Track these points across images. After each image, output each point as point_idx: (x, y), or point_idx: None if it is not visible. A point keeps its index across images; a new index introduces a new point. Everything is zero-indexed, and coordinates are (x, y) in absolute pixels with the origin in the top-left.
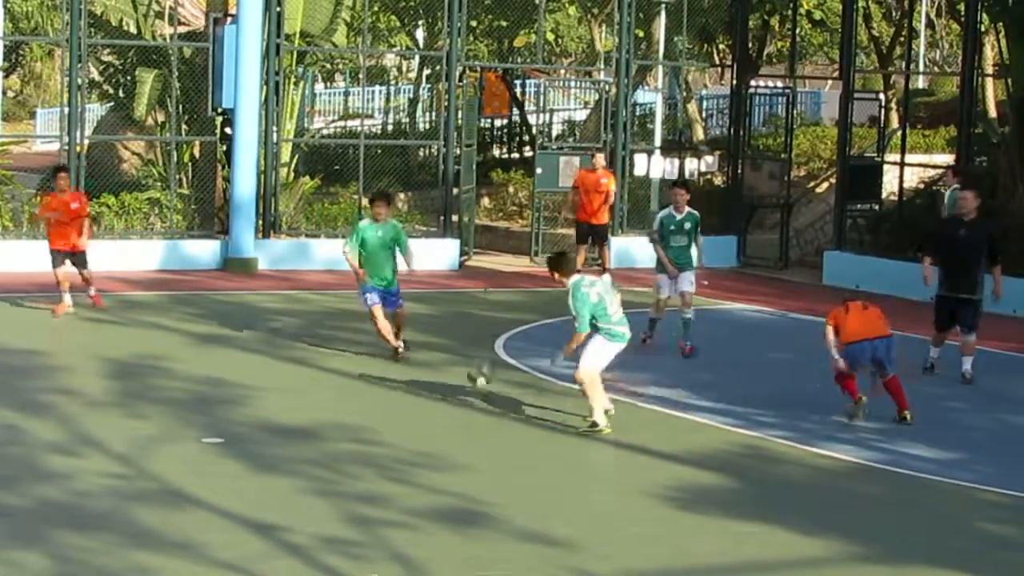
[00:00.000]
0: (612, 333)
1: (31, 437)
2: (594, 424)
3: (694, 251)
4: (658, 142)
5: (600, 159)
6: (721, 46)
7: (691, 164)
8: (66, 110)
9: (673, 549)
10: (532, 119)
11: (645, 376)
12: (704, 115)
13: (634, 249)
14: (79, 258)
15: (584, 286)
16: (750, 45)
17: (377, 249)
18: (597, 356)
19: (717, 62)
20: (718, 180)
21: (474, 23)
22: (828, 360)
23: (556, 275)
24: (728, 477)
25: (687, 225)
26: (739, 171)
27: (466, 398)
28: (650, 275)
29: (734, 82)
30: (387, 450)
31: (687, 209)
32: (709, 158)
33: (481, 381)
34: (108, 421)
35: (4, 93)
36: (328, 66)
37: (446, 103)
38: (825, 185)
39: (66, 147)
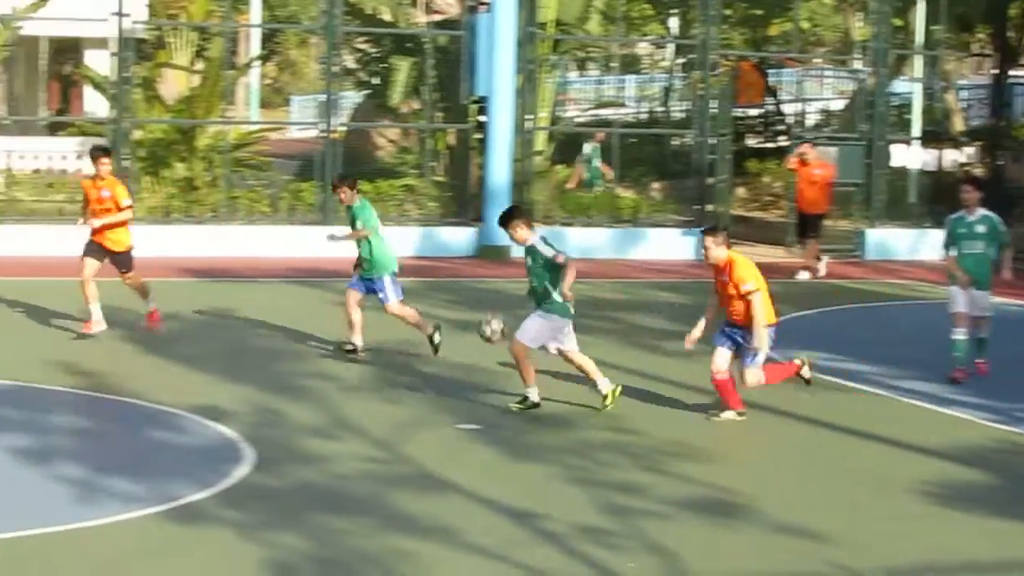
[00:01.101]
0: (553, 307)
1: (290, 420)
2: (525, 399)
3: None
4: (916, 132)
5: (806, 148)
6: (980, 35)
7: (950, 155)
8: (322, 97)
9: (931, 545)
10: (786, 108)
11: (903, 371)
12: (963, 105)
13: (890, 241)
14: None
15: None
16: (1011, 34)
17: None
18: (537, 332)
19: (976, 51)
20: (978, 172)
21: (728, 11)
22: None
23: (518, 230)
24: (988, 473)
25: (981, 228)
26: (1000, 162)
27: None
28: (908, 268)
29: (994, 72)
30: (641, 439)
31: (981, 210)
32: (969, 149)
33: (488, 333)
34: (364, 405)
35: (261, 80)
36: (581, 54)
37: (701, 92)
38: None
39: (323, 134)
